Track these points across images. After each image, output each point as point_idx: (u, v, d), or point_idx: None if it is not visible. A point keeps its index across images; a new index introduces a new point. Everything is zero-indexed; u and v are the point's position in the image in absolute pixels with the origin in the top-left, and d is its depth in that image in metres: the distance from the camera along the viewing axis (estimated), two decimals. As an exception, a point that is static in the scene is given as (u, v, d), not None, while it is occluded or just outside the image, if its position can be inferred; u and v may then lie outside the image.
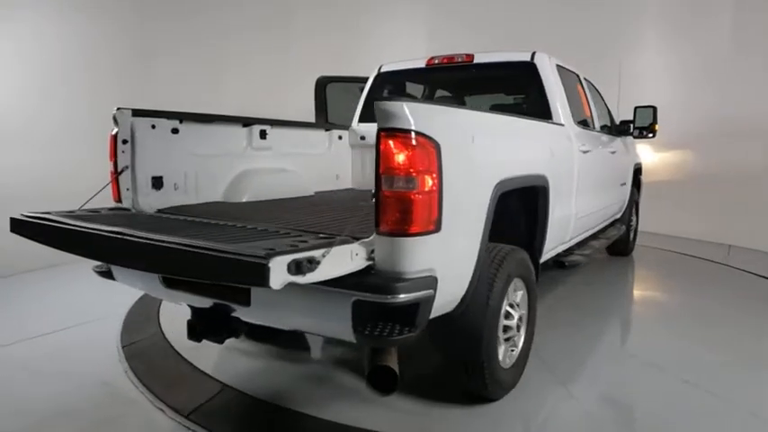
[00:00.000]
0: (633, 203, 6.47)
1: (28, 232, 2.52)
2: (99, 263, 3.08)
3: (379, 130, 2.12)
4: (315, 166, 4.55)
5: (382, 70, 4.90)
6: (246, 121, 3.91)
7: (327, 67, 6.45)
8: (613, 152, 5.22)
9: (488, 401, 2.99)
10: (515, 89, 4.56)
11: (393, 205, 2.12)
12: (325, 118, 6.06)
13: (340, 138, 4.81)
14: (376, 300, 2.09)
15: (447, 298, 2.40)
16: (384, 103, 2.12)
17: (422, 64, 4.61)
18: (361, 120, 4.90)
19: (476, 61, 4.36)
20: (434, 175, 2.18)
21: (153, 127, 3.23)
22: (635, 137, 5.51)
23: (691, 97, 7.78)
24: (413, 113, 2.13)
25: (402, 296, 2.09)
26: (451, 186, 2.25)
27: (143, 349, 3.82)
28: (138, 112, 3.15)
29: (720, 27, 7.66)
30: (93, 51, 6.93)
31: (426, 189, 2.15)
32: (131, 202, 3.16)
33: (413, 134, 2.11)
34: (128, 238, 2.06)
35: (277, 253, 1.78)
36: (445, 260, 2.30)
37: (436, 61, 4.53)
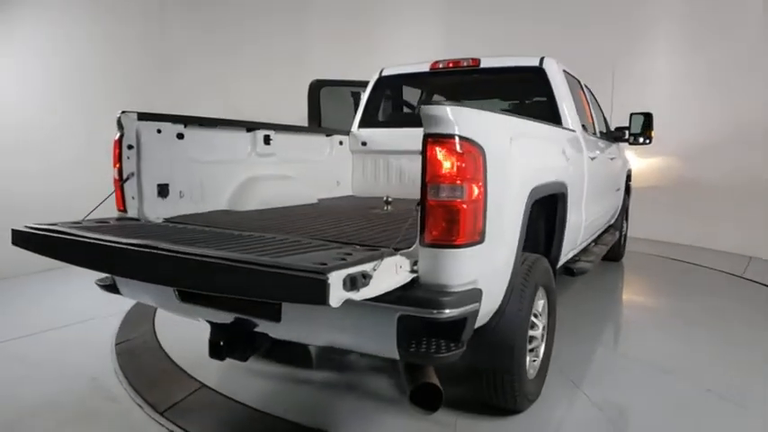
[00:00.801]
0: (624, 209, 6.53)
1: (35, 246, 2.33)
2: (103, 276, 2.90)
3: (426, 136, 2.02)
4: (316, 173, 4.42)
5: (384, 74, 4.80)
6: (250, 126, 3.76)
7: (340, 73, 6.31)
8: (612, 158, 5.24)
9: (513, 413, 2.91)
10: (523, 94, 4.52)
11: (440, 215, 2.03)
12: (318, 123, 5.94)
13: (341, 143, 4.69)
14: (424, 315, 1.98)
15: (486, 310, 2.31)
16: (431, 107, 2.03)
17: (425, 68, 4.53)
18: (362, 125, 4.79)
19: (482, 66, 4.30)
20: (480, 184, 2.10)
21: (158, 132, 3.06)
22: (630, 143, 5.54)
23: (685, 104, 7.90)
24: (460, 118, 2.04)
25: (451, 311, 2.00)
26: (494, 195, 2.18)
27: (133, 347, 3.92)
28: (143, 116, 2.97)
29: (714, 31, 7.76)
30: (107, 57, 6.90)
31: (473, 198, 2.07)
32: (137, 212, 2.97)
33: (461, 140, 2.03)
34: (160, 252, 1.90)
35: (332, 267, 1.66)
36: (487, 271, 2.21)
37: (441, 65, 4.46)
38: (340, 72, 6.35)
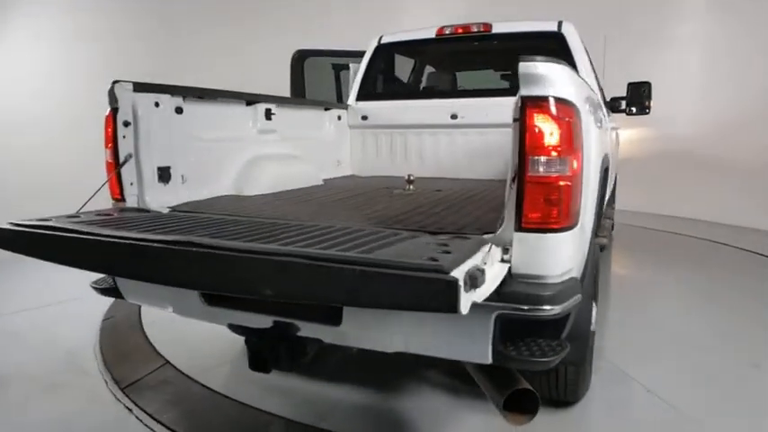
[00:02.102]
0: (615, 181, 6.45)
1: (25, 247, 1.87)
2: (98, 277, 2.46)
3: (524, 100, 1.70)
4: (317, 151, 4.02)
5: (383, 41, 4.40)
6: (250, 99, 3.32)
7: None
8: (615, 128, 5.08)
9: (568, 404, 2.70)
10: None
11: (541, 194, 1.72)
12: (301, 97, 5.48)
13: (339, 118, 4.28)
14: (528, 313, 1.68)
15: None
16: (530, 64, 1.70)
17: (431, 34, 4.17)
18: (361, 97, 4.39)
19: (494, 31, 3.99)
20: (579, 156, 1.81)
21: (156, 105, 2.60)
22: (627, 114, 5.39)
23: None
24: (561, 77, 1.74)
25: (558, 307, 1.71)
26: (585, 168, 1.89)
27: (116, 323, 3.96)
28: (140, 87, 2.50)
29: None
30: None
31: (575, 172, 1.77)
32: (136, 200, 2.52)
33: (563, 104, 1.72)
34: (217, 252, 1.51)
35: (452, 264, 1.33)
36: (578, 258, 1.94)
37: (448, 31, 4.11)
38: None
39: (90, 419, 2.71)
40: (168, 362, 3.27)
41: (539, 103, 1.69)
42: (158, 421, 2.62)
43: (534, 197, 1.72)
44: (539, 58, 1.73)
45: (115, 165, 2.46)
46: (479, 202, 2.79)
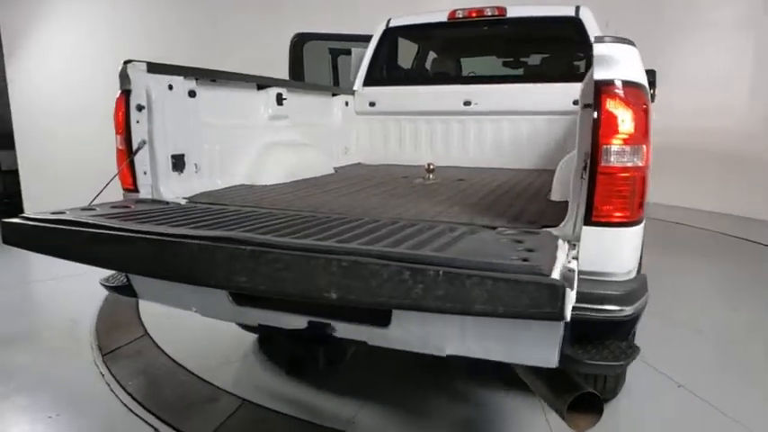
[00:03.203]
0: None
1: (44, 244, 1.68)
2: (108, 273, 2.27)
3: (599, 84, 1.57)
4: (326, 139, 3.85)
5: (391, 25, 4.22)
6: (262, 83, 3.13)
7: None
8: None
9: (605, 400, 2.61)
10: (556, 49, 4.11)
11: (615, 185, 1.60)
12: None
13: (346, 104, 4.11)
14: (603, 315, 1.57)
15: None
16: (608, 45, 1.57)
17: (442, 18, 4.00)
18: (368, 82, 4.21)
19: (509, 15, 3.84)
20: (649, 144, 1.69)
21: (170, 88, 2.40)
22: None
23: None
24: (635, 60, 1.61)
25: (631, 307, 1.60)
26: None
27: (117, 297, 3.98)
28: (153, 67, 2.30)
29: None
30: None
31: (646, 162, 1.65)
32: (151, 191, 2.33)
33: (638, 89, 1.60)
34: (273, 250, 1.35)
35: (549, 266, 1.20)
36: (640, 253, 1.83)
37: (460, 15, 3.95)
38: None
39: (65, 381, 2.97)
40: (147, 333, 3.49)
41: (614, 87, 1.57)
42: (122, 386, 2.84)
43: (607, 189, 1.60)
44: (609, 38, 1.61)
45: (128, 152, 2.26)
46: (511, 192, 2.67)
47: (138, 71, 2.24)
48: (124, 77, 2.22)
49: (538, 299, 1.15)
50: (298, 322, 1.95)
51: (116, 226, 1.59)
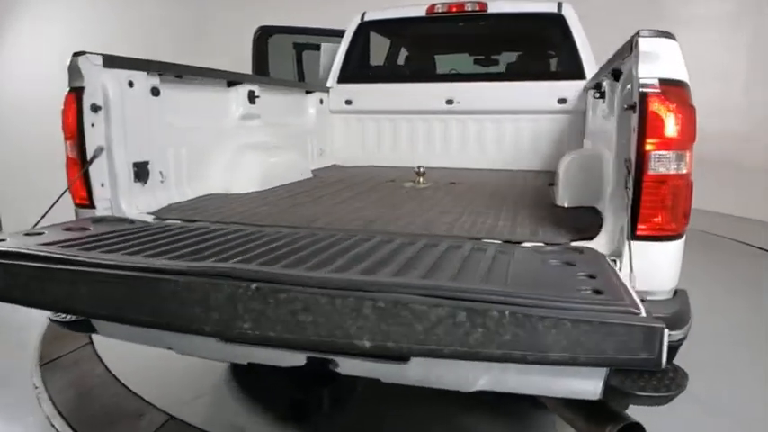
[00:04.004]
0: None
1: None
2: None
3: (645, 84, 1.39)
4: (300, 140, 3.55)
5: (366, 19, 3.96)
6: (232, 79, 2.81)
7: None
8: None
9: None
10: (537, 46, 3.94)
11: (663, 195, 1.43)
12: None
13: (321, 102, 3.82)
14: None
15: None
16: (656, 40, 1.39)
17: (421, 12, 3.77)
18: (344, 79, 3.94)
19: (490, 11, 3.65)
20: (692, 149, 1.51)
21: (131, 85, 2.06)
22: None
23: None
24: (680, 57, 1.43)
25: (681, 331, 1.43)
26: None
27: None
28: (111, 61, 1.96)
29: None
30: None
31: (690, 169, 1.48)
32: (109, 206, 2.00)
33: (685, 89, 1.42)
34: (287, 287, 1.07)
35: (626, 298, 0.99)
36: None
37: (439, 9, 3.73)
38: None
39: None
40: (91, 342, 3.20)
41: (662, 87, 1.39)
42: (51, 399, 2.62)
43: (654, 199, 1.43)
44: (649, 31, 1.42)
45: (81, 161, 1.91)
46: (511, 197, 2.48)
47: (93, 65, 1.90)
48: (75, 73, 1.88)
49: (629, 344, 0.93)
50: (294, 359, 1.67)
51: (74, 258, 1.28)
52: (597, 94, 2.44)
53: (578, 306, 0.97)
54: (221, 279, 1.14)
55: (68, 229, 1.65)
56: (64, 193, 1.87)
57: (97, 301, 1.23)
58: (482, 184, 2.93)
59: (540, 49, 3.89)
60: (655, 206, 1.42)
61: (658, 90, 1.37)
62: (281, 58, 5.10)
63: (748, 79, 6.58)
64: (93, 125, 1.92)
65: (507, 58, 4.04)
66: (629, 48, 1.48)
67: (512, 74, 3.85)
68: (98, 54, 1.92)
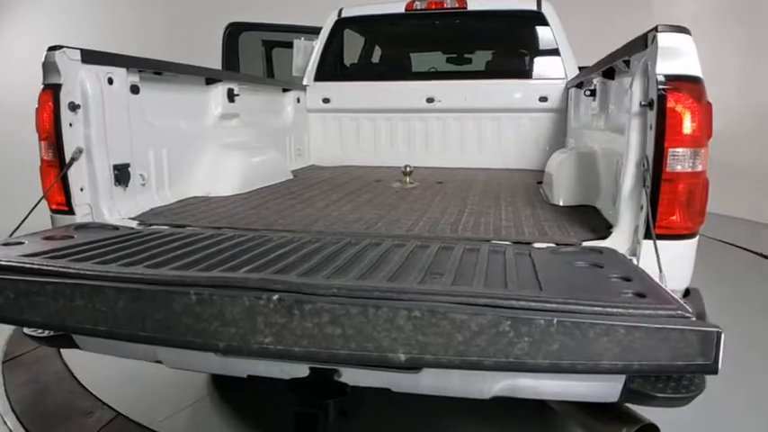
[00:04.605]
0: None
1: None
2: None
3: (666, 80, 1.36)
4: (279, 139, 3.44)
5: (343, 15, 3.87)
6: (211, 76, 2.69)
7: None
8: None
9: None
10: (517, 44, 3.93)
11: (680, 193, 1.42)
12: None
13: (298, 101, 3.71)
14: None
15: None
16: (675, 36, 1.38)
17: (399, 9, 3.71)
18: (321, 77, 3.84)
19: (469, 8, 3.62)
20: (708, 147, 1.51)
21: (110, 82, 1.93)
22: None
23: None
24: (696, 52, 1.42)
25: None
26: None
27: None
28: (90, 57, 1.83)
29: None
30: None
31: (705, 166, 1.48)
32: (89, 211, 1.86)
33: (701, 86, 1.41)
34: (328, 297, 1.00)
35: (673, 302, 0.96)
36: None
37: (418, 5, 3.68)
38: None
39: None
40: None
41: (683, 84, 1.37)
42: (8, 396, 2.60)
43: (672, 198, 1.41)
44: (666, 26, 1.40)
45: (59, 163, 1.77)
46: (504, 196, 2.45)
47: (70, 60, 1.77)
48: (51, 68, 1.74)
49: (685, 349, 0.90)
50: (297, 370, 1.59)
51: (68, 270, 1.17)
52: (588, 92, 2.44)
53: (629, 312, 0.93)
54: (239, 291, 1.05)
55: (50, 238, 1.52)
56: (42, 198, 1.73)
57: (96, 317, 1.12)
58: (469, 183, 2.90)
59: (521, 46, 3.89)
60: (672, 204, 1.41)
61: (678, 87, 1.36)
62: (252, 55, 4.95)
63: (740, 79, 6.50)
64: (71, 125, 1.78)
65: (487, 55, 4.02)
66: (643, 43, 1.46)
67: (492, 72, 3.84)
68: (76, 48, 1.79)
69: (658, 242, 1.42)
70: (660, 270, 1.29)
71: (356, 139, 3.85)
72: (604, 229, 1.67)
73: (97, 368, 2.65)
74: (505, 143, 3.61)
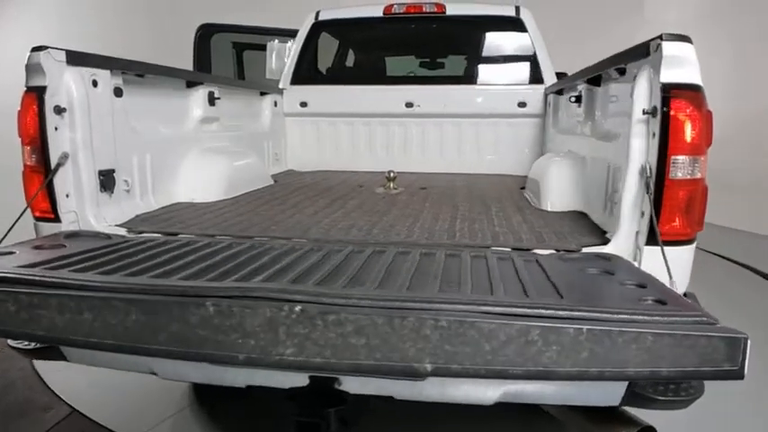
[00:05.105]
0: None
1: None
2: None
3: (669, 87, 1.41)
4: (257, 144, 3.39)
5: (321, 18, 3.85)
6: (192, 79, 2.63)
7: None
8: None
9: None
10: (496, 50, 3.98)
11: (681, 199, 1.48)
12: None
13: (275, 104, 3.67)
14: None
15: None
16: (679, 45, 1.42)
17: (378, 12, 3.71)
18: (298, 80, 3.80)
19: (448, 13, 3.66)
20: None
21: (95, 84, 1.86)
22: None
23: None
24: (696, 60, 1.47)
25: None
26: None
27: None
28: (76, 58, 1.76)
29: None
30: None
31: (704, 173, 1.53)
32: (75, 219, 1.79)
33: (701, 93, 1.46)
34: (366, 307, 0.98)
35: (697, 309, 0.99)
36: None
37: (397, 9, 3.69)
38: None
39: None
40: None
41: (685, 93, 1.42)
42: None
43: (674, 204, 1.46)
44: (670, 35, 1.45)
45: (45, 170, 1.70)
46: (491, 202, 2.47)
47: (56, 62, 1.70)
48: (36, 70, 1.67)
49: (713, 355, 0.92)
50: (296, 379, 1.57)
51: (71, 281, 1.12)
52: (573, 98, 2.50)
53: (655, 319, 0.95)
54: (259, 301, 1.03)
55: (40, 247, 1.45)
56: (28, 205, 1.65)
57: (105, 330, 1.07)
58: (453, 188, 2.92)
59: (499, 52, 3.94)
60: (673, 211, 1.46)
61: (681, 95, 1.40)
62: (225, 58, 4.86)
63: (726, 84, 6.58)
64: (56, 129, 1.71)
65: (466, 61, 4.07)
66: (645, 51, 1.50)
67: (471, 77, 3.88)
68: (61, 49, 1.72)
69: (656, 248, 1.47)
70: (670, 277, 1.33)
71: (334, 144, 3.82)
72: (600, 235, 1.70)
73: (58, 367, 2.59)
74: (485, 148, 3.65)
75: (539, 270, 1.29)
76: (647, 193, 1.45)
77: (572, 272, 1.28)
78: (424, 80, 3.97)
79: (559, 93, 3.15)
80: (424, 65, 4.23)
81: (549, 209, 2.25)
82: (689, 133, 1.41)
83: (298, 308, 1.01)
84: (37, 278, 1.12)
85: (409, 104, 3.65)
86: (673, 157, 1.42)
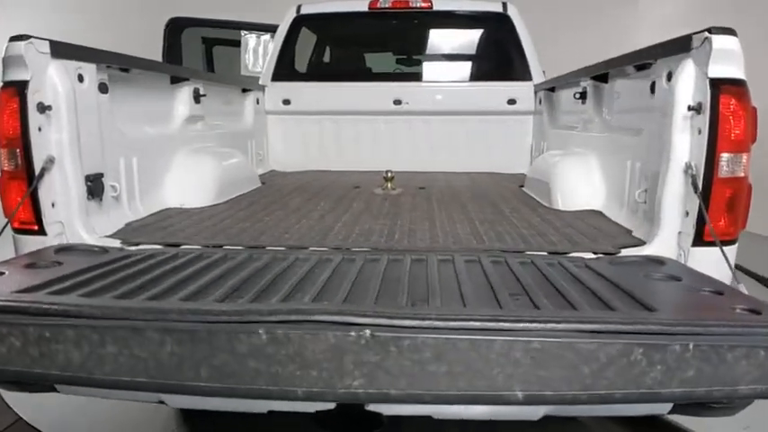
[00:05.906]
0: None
1: None
2: None
3: (718, 83, 1.35)
4: (241, 144, 3.21)
5: (302, 12, 3.68)
6: (177, 74, 2.45)
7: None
8: None
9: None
10: (483, 46, 3.90)
11: (729, 198, 1.41)
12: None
13: (257, 102, 3.49)
14: None
15: None
16: (726, 38, 1.36)
17: (363, 7, 3.58)
18: (280, 77, 3.63)
19: (435, 8, 3.56)
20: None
21: (80, 80, 1.67)
22: None
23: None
24: (742, 56, 1.41)
25: None
26: None
27: None
28: (61, 50, 1.56)
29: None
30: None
31: (748, 172, 1.48)
32: (63, 230, 1.60)
33: (748, 90, 1.41)
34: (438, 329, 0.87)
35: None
36: None
37: (383, 4, 3.57)
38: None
39: None
40: None
41: (734, 87, 1.37)
42: None
43: (722, 202, 1.40)
44: (717, 29, 1.39)
45: (27, 175, 1.50)
46: (496, 201, 2.39)
47: (39, 53, 1.50)
48: (17, 63, 1.47)
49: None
50: (324, 403, 1.43)
51: (89, 308, 0.95)
52: (577, 95, 2.44)
53: (764, 332, 0.87)
54: (319, 325, 0.90)
55: (33, 266, 1.26)
56: (10, 219, 1.45)
57: (135, 365, 0.92)
58: (452, 188, 2.83)
59: (487, 48, 3.87)
60: (720, 210, 1.40)
61: (730, 90, 1.34)
62: (197, 54, 4.62)
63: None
64: (40, 129, 1.52)
65: (453, 57, 3.97)
66: (686, 45, 1.44)
67: (459, 73, 3.81)
68: (44, 39, 1.52)
69: (703, 249, 1.41)
70: (737, 281, 1.26)
71: (319, 143, 3.67)
72: (627, 235, 1.64)
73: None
74: (475, 146, 3.57)
75: (598, 277, 1.20)
76: (696, 192, 1.38)
77: (636, 278, 1.19)
78: (411, 77, 3.86)
79: (551, 90, 3.10)
80: (410, 61, 4.11)
81: (562, 208, 2.18)
82: (737, 130, 1.36)
83: (367, 332, 0.88)
84: (43, 306, 0.95)
85: (397, 102, 3.53)
86: (722, 154, 1.36)
